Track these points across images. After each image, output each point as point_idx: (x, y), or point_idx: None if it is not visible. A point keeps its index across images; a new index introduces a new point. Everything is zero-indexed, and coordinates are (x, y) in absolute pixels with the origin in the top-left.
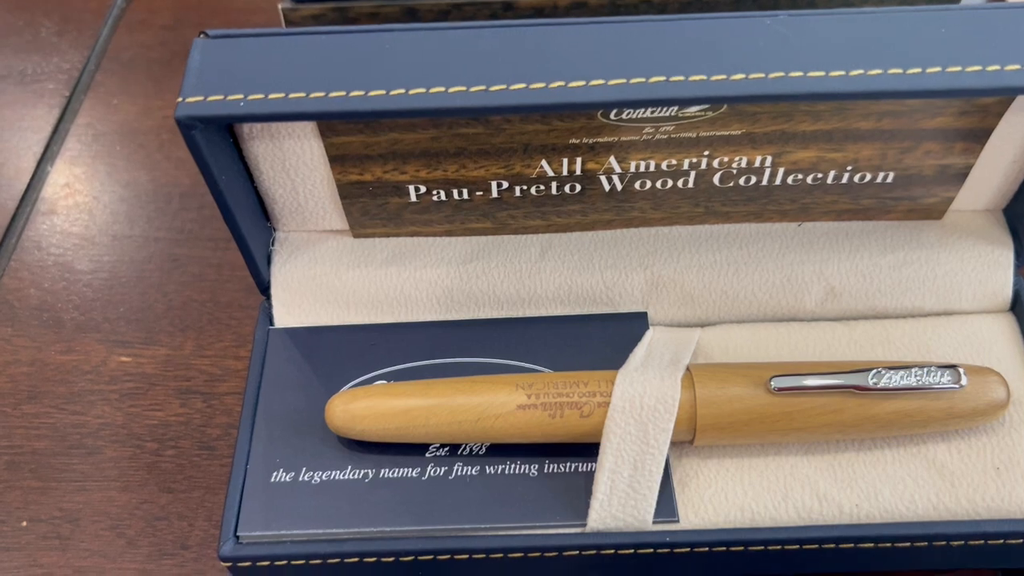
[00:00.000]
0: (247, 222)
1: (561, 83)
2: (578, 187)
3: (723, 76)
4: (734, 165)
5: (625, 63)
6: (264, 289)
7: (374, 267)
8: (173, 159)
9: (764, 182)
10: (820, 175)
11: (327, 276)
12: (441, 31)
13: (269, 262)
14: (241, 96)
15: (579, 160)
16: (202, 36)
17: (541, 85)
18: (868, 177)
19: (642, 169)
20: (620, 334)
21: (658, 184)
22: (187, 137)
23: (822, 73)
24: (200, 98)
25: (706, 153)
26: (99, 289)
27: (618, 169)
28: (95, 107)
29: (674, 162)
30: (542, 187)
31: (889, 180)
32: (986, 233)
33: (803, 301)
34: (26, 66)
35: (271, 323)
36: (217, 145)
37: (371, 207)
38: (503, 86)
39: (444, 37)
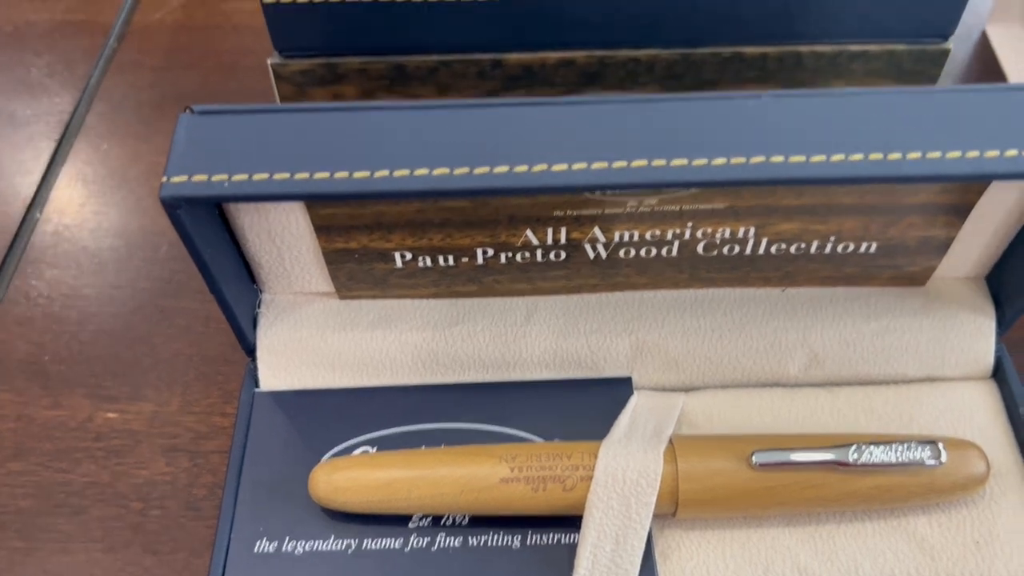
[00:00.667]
0: (232, 289)
1: (544, 166)
2: (563, 255)
3: (704, 160)
4: (717, 236)
5: (607, 146)
6: (250, 351)
7: (360, 330)
8: (160, 205)
9: (748, 251)
10: (803, 245)
11: (313, 339)
12: (426, 110)
13: (255, 324)
14: (226, 176)
15: (564, 230)
16: (187, 112)
17: (524, 168)
18: (851, 247)
19: (626, 239)
20: (604, 399)
21: (642, 252)
22: (172, 215)
23: (803, 158)
24: (184, 178)
25: (689, 224)
26: (86, 342)
27: (602, 239)
28: (85, 151)
29: (658, 233)
30: (527, 255)
31: (872, 250)
32: (968, 301)
33: (786, 367)
34: (15, 107)
35: (256, 385)
36: (202, 219)
37: (357, 272)
38: (486, 168)
39: (429, 117)
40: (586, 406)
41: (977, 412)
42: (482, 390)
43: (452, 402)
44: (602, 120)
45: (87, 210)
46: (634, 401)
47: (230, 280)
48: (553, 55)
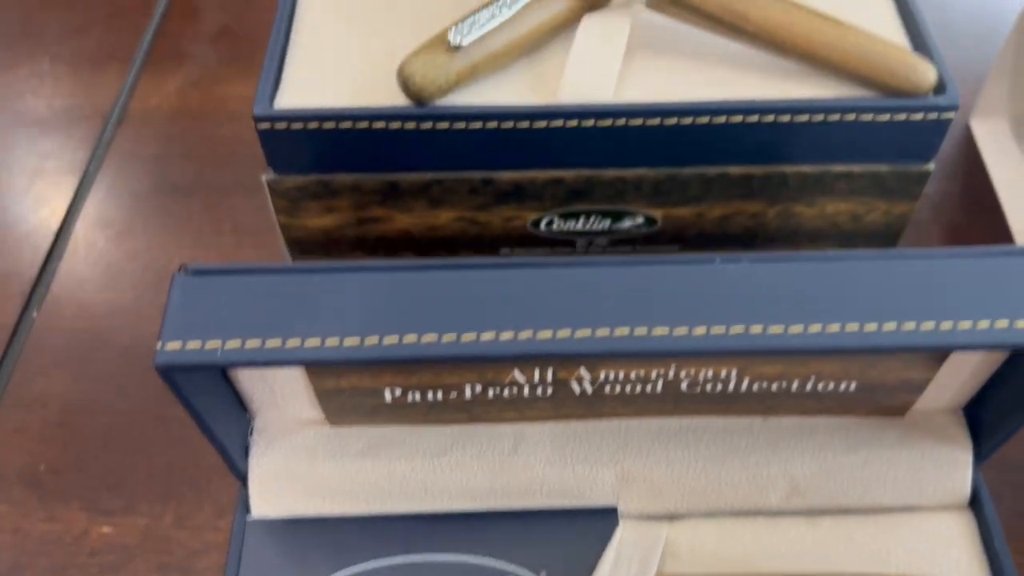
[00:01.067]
0: (223, 425)
1: (529, 333)
2: (550, 390)
3: (685, 330)
4: (700, 376)
5: (590, 313)
6: (242, 478)
7: (350, 459)
8: (157, 305)
9: (730, 389)
10: (785, 383)
11: (303, 467)
12: (413, 271)
13: (246, 452)
14: (219, 343)
15: (550, 370)
16: (181, 272)
17: (510, 335)
18: (832, 386)
19: (611, 377)
20: (590, 529)
21: (627, 389)
22: (167, 379)
23: (781, 329)
24: (179, 344)
25: (673, 366)
26: (82, 451)
27: (588, 377)
28: (81, 247)
29: (642, 373)
30: (515, 390)
31: (852, 388)
32: (946, 432)
33: (768, 497)
34: (8, 203)
35: (248, 512)
36: (197, 373)
37: (348, 406)
38: (473, 336)
39: (416, 279)
40: (572, 536)
41: (954, 543)
42: (470, 520)
43: (441, 532)
44: (586, 284)
45: (81, 316)
46: (619, 535)
47: (221, 417)
48: (542, 174)
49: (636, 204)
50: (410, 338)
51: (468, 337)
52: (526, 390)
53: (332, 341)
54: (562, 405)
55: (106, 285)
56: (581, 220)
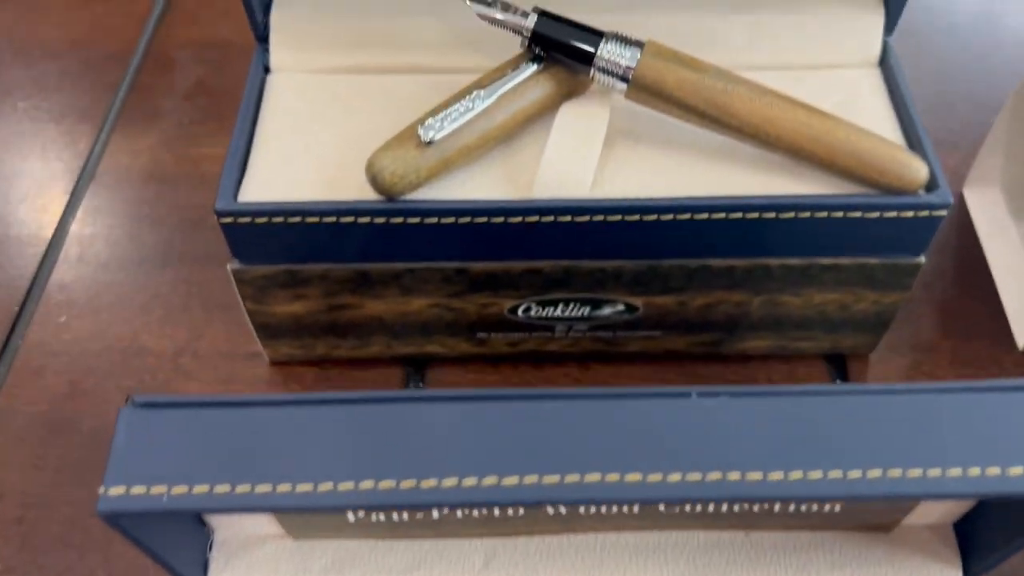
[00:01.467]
0: (181, 552)
1: (494, 479)
2: (521, 511)
3: (659, 476)
4: None
5: (558, 458)
6: None
7: None
8: (121, 388)
9: (710, 509)
10: (767, 504)
11: None
12: (372, 404)
13: (205, 569)
14: (164, 489)
15: None
16: (128, 404)
17: (473, 482)
18: (815, 507)
19: None
20: None
21: (602, 510)
22: (113, 526)
23: (760, 476)
24: (123, 490)
25: None
26: (38, 550)
27: None
28: (42, 326)
29: None
30: (484, 510)
31: (836, 509)
32: (935, 550)
33: None
34: None
35: None
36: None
37: (310, 525)
38: (433, 482)
39: (376, 414)
40: None
41: None
42: None
43: None
44: (555, 421)
45: (44, 394)
46: None
47: (176, 543)
48: (518, 264)
49: (616, 292)
50: (367, 484)
51: (428, 484)
52: (496, 511)
53: (284, 487)
54: (535, 523)
55: (68, 365)
56: (560, 307)
